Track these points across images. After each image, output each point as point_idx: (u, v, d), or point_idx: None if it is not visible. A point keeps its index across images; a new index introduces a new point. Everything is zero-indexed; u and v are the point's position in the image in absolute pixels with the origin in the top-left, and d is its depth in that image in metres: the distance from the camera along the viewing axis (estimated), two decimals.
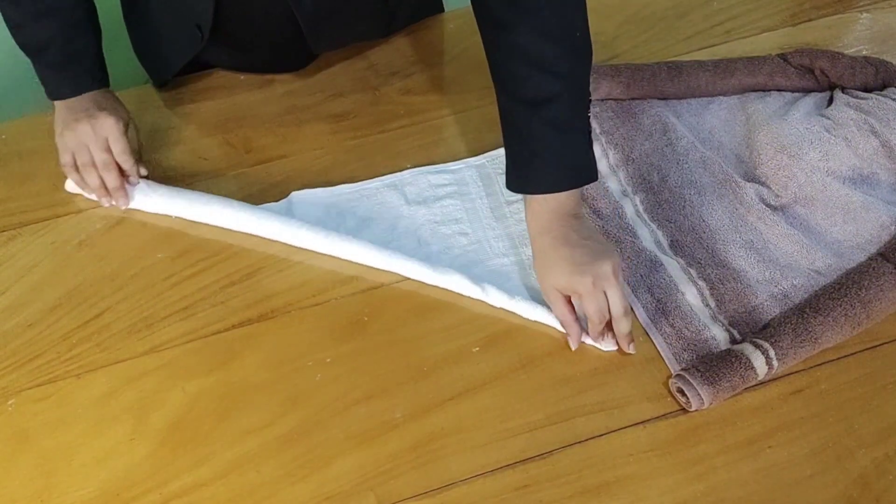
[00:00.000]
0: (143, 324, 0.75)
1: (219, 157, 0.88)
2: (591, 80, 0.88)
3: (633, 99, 0.90)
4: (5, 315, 0.76)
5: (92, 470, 0.66)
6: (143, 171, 0.83)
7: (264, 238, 0.80)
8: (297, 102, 0.93)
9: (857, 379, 0.70)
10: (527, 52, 0.70)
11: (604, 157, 0.86)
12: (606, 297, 0.69)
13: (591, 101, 0.74)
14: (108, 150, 0.80)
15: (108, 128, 0.80)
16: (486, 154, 0.86)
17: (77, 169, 0.82)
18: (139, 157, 0.84)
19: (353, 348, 0.72)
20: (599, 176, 0.84)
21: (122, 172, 0.81)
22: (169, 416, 0.69)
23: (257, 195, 0.84)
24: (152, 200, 0.82)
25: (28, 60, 0.85)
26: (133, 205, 0.82)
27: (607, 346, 0.71)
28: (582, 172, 0.74)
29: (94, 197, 0.83)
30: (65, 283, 0.78)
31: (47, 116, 0.93)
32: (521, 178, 0.74)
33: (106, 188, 0.81)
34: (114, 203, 0.82)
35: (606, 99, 0.90)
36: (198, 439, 0.67)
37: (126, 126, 0.82)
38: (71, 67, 0.83)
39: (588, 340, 0.72)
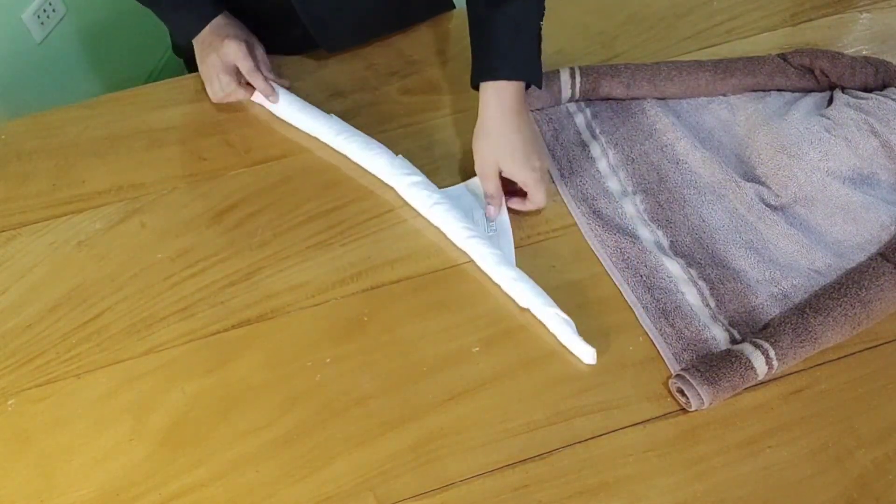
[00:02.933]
0: (142, 324, 0.75)
1: (219, 157, 0.88)
2: (590, 79, 0.89)
3: (633, 99, 0.90)
4: (5, 315, 0.76)
5: (92, 470, 0.66)
6: (286, 83, 0.92)
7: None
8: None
9: (857, 379, 0.70)
10: None
11: (604, 156, 0.86)
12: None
13: (544, 13, 0.84)
14: (233, 73, 0.89)
15: (232, 52, 0.87)
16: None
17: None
18: (270, 71, 0.91)
19: (353, 348, 0.72)
20: (600, 176, 0.84)
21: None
22: (168, 416, 0.69)
23: (256, 195, 0.84)
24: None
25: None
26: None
27: (515, 206, 0.81)
28: (532, 71, 0.82)
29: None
30: (65, 283, 0.78)
31: (47, 116, 0.93)
32: (480, 70, 0.81)
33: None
34: (271, 100, 0.90)
35: (606, 99, 0.91)
36: (197, 439, 0.67)
37: (249, 46, 0.89)
38: (186, 4, 0.90)
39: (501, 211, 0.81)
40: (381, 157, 0.85)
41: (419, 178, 0.83)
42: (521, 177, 0.79)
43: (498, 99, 0.80)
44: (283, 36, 0.95)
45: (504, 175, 0.80)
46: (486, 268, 0.77)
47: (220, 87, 0.89)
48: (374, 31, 1.00)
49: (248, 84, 0.91)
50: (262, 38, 0.95)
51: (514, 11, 0.80)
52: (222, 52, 0.88)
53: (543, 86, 0.89)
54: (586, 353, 0.71)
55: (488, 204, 0.81)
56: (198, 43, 0.91)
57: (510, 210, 0.82)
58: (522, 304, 0.75)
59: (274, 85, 0.90)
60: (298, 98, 0.91)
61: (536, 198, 0.80)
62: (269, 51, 0.95)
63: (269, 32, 0.95)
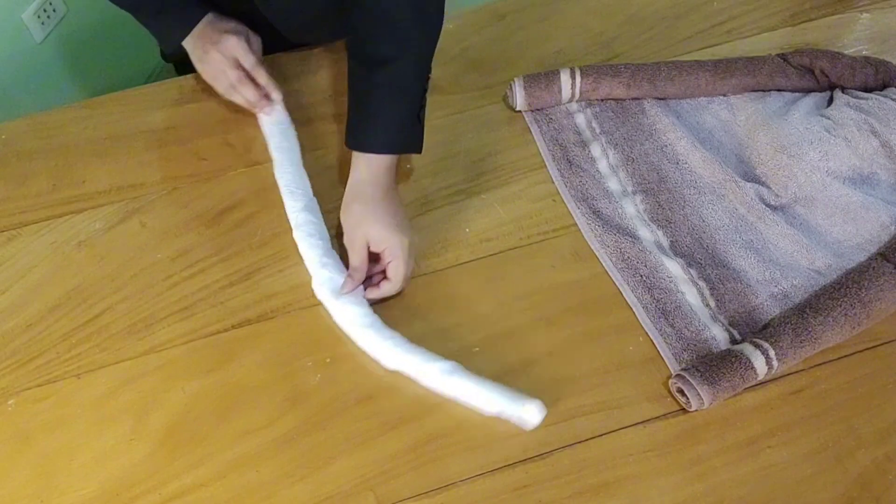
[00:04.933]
0: (142, 324, 0.75)
1: (219, 157, 0.88)
2: (590, 79, 0.89)
3: (633, 99, 0.90)
4: (5, 315, 0.76)
5: (92, 470, 0.66)
6: (278, 95, 0.88)
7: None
8: (298, 102, 0.93)
9: (857, 379, 0.70)
10: (377, 11, 0.76)
11: (604, 156, 0.86)
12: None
13: (429, 77, 0.80)
14: (240, 67, 0.86)
15: (233, 47, 0.85)
16: None
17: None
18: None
19: (353, 348, 0.72)
20: (600, 176, 0.84)
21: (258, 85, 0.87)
22: (168, 416, 0.69)
23: (256, 195, 0.84)
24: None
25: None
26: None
27: (372, 295, 0.75)
28: (408, 140, 0.79)
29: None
30: (65, 283, 0.78)
31: (47, 116, 0.93)
32: (354, 136, 0.78)
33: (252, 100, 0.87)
34: (266, 111, 0.88)
35: (606, 99, 0.91)
36: (197, 439, 0.67)
37: (248, 40, 0.87)
38: (170, 8, 0.87)
39: (357, 293, 0.74)
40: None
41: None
42: (391, 248, 0.73)
43: (369, 169, 0.76)
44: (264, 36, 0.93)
45: (372, 248, 0.74)
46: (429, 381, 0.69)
47: (229, 83, 0.87)
48: (335, 29, 0.98)
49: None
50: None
51: (393, 75, 0.76)
52: (222, 45, 0.86)
53: (543, 86, 0.89)
54: (531, 411, 0.65)
55: (349, 276, 0.74)
56: (192, 45, 0.88)
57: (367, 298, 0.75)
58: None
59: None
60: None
61: (397, 277, 0.73)
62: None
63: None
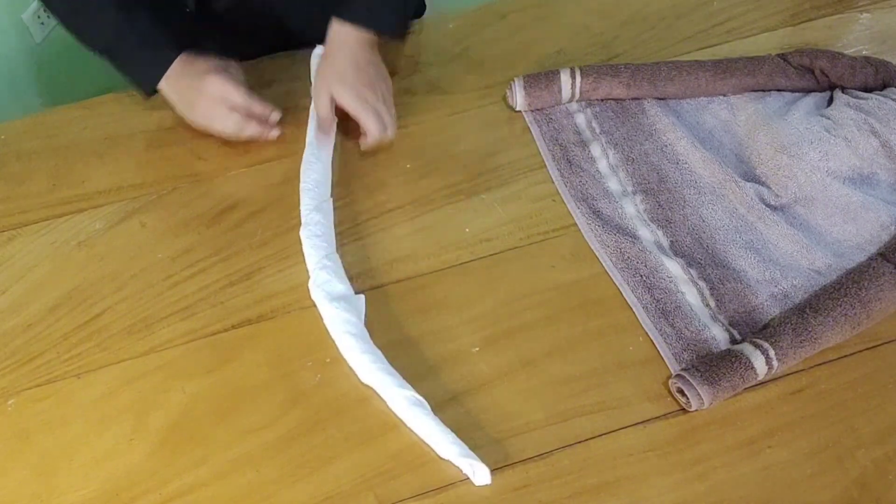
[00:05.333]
0: (142, 324, 0.75)
1: (218, 157, 0.88)
2: (590, 79, 0.89)
3: (633, 99, 0.90)
4: (5, 315, 0.76)
5: (92, 470, 0.66)
6: (276, 115, 0.87)
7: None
8: (297, 102, 0.93)
9: (857, 379, 0.70)
10: None
11: (604, 156, 0.86)
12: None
13: None
14: (235, 108, 0.83)
15: (220, 88, 0.83)
16: None
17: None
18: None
19: None
20: (600, 176, 0.84)
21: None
22: (169, 416, 0.69)
23: (256, 195, 0.84)
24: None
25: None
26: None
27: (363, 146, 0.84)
28: (384, 20, 0.85)
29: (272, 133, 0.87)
30: (65, 283, 0.78)
31: (47, 116, 0.93)
32: (338, 12, 0.84)
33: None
34: (273, 134, 0.87)
35: (606, 99, 0.91)
36: (197, 439, 0.67)
37: (229, 72, 0.84)
38: (140, 50, 0.84)
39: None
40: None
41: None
42: (349, 104, 0.82)
43: (344, 35, 0.84)
44: (255, 42, 0.94)
45: (337, 103, 0.83)
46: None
47: (234, 124, 0.84)
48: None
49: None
50: (233, 44, 0.93)
51: None
52: (208, 90, 0.83)
53: (543, 86, 0.89)
54: (479, 473, 0.64)
55: (319, 127, 0.85)
56: (172, 91, 0.85)
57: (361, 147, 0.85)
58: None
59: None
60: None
61: (368, 126, 0.82)
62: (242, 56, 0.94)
63: (240, 39, 0.94)
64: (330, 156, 0.86)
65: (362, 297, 0.74)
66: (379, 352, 0.70)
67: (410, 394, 0.67)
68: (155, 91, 0.85)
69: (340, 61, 0.83)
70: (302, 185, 0.82)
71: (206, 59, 0.85)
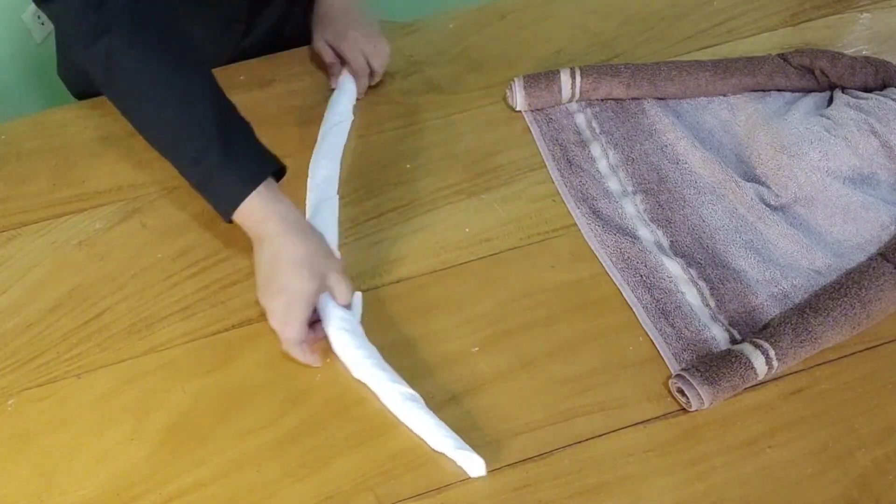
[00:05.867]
0: (142, 324, 0.75)
1: None
2: (590, 79, 0.88)
3: (633, 99, 0.90)
4: (5, 315, 0.76)
5: (92, 470, 0.66)
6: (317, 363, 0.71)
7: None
8: (297, 102, 0.93)
9: (857, 379, 0.70)
10: None
11: (604, 156, 0.86)
12: None
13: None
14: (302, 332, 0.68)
15: (293, 315, 0.67)
16: None
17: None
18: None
19: None
20: (600, 176, 0.84)
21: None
22: (169, 416, 0.69)
23: None
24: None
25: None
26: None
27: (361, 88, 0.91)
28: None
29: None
30: (65, 283, 0.78)
31: (47, 116, 0.93)
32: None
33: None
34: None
35: (606, 99, 0.91)
36: (198, 439, 0.67)
37: (312, 304, 0.68)
38: (242, 152, 0.69)
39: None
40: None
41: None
42: (343, 46, 0.89)
43: None
44: (233, 43, 0.95)
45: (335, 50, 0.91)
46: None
47: (299, 333, 0.68)
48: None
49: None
50: (212, 45, 0.94)
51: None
52: (328, 283, 0.68)
53: (543, 86, 0.89)
54: (474, 465, 0.64)
55: (330, 70, 0.91)
56: (255, 227, 0.69)
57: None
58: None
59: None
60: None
61: (358, 67, 0.89)
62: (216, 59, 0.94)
63: (218, 40, 0.94)
64: (341, 151, 0.86)
65: (359, 294, 0.74)
66: (373, 347, 0.70)
67: (404, 389, 0.67)
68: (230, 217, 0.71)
69: (336, 13, 0.92)
70: (310, 181, 0.82)
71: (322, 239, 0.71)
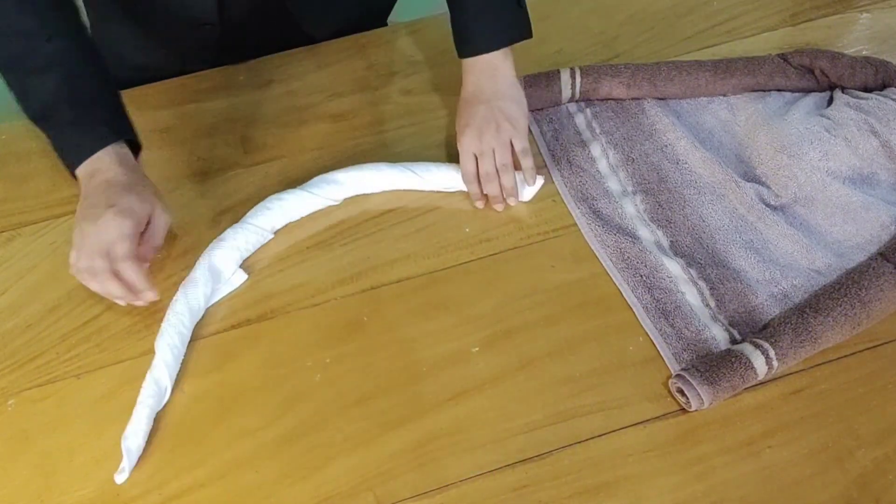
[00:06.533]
0: (142, 324, 0.74)
1: (218, 157, 0.88)
2: (590, 79, 0.89)
3: (633, 99, 0.90)
4: (5, 315, 0.76)
5: (92, 470, 0.66)
6: (153, 296, 0.71)
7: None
8: (297, 102, 0.93)
9: (857, 379, 0.70)
10: None
11: (604, 156, 0.86)
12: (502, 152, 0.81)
13: None
14: (108, 257, 0.69)
15: (113, 228, 0.69)
16: None
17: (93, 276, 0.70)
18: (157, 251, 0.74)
19: (353, 348, 0.72)
20: (600, 176, 0.84)
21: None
22: (168, 416, 0.69)
23: (255, 196, 0.84)
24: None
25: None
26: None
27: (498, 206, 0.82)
28: (516, 30, 0.84)
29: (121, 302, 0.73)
30: (64, 283, 0.78)
31: None
32: (463, 43, 0.85)
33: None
34: (140, 303, 0.73)
35: (606, 99, 0.91)
36: (197, 440, 0.67)
37: (139, 223, 0.70)
38: (84, 120, 0.72)
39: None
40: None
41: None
42: (516, 136, 0.82)
43: (483, 70, 0.84)
44: (194, 44, 0.93)
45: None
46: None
47: (89, 269, 0.69)
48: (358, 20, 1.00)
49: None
50: (178, 50, 0.94)
51: None
52: (99, 226, 0.69)
53: (543, 86, 0.89)
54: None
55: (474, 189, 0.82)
56: (84, 190, 0.71)
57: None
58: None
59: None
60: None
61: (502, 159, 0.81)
62: (181, 65, 0.94)
63: (184, 45, 0.94)
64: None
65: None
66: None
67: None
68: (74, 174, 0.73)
69: (494, 95, 0.83)
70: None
71: (139, 184, 0.72)
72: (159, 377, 0.69)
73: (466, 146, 0.82)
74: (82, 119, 0.72)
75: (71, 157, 0.72)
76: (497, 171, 0.81)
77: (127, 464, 0.65)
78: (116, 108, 0.75)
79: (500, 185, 0.81)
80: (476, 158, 0.82)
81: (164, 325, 0.72)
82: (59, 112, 0.71)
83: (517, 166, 0.82)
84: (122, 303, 0.73)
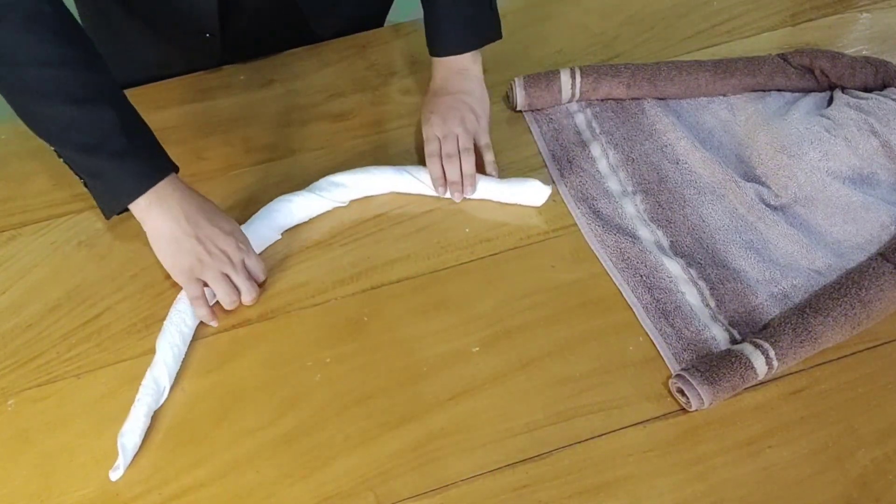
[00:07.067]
0: (142, 324, 0.74)
1: (219, 157, 0.88)
2: (590, 79, 0.89)
3: (633, 99, 0.90)
4: (5, 315, 0.76)
5: (92, 470, 0.66)
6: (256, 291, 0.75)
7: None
8: (297, 102, 0.93)
9: (857, 379, 0.70)
10: None
11: (604, 156, 0.86)
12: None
13: None
14: (246, 272, 0.74)
15: (243, 251, 0.73)
16: None
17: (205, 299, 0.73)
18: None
19: (353, 348, 0.72)
20: (600, 176, 0.84)
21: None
22: (168, 416, 0.69)
23: (256, 195, 0.84)
24: None
25: None
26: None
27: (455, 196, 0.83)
28: (485, 33, 0.87)
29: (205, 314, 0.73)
30: (65, 283, 0.78)
31: None
32: (433, 43, 0.87)
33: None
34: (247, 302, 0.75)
35: (606, 99, 0.91)
36: (197, 439, 0.67)
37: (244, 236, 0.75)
38: (141, 150, 0.71)
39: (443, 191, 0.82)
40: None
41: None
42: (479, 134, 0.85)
43: (450, 67, 0.87)
44: (198, 50, 0.93)
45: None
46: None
47: (228, 289, 0.73)
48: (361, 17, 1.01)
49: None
50: (166, 63, 0.94)
51: None
52: (231, 250, 0.72)
53: (543, 86, 0.89)
54: (541, 191, 0.80)
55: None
56: (170, 219, 0.71)
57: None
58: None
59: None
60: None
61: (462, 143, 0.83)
62: (186, 67, 0.94)
63: (176, 55, 0.94)
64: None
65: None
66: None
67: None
68: (120, 211, 0.72)
69: (460, 89, 0.86)
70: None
71: (207, 204, 0.74)
72: (158, 376, 0.69)
73: (430, 130, 0.84)
74: (140, 149, 0.71)
75: (129, 188, 0.70)
76: (459, 154, 0.82)
77: (122, 461, 0.65)
78: (156, 138, 0.73)
79: (461, 170, 0.82)
80: (439, 141, 0.83)
81: (166, 323, 0.73)
82: (113, 142, 0.68)
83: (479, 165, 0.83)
84: (230, 306, 0.74)
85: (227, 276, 0.73)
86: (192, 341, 0.73)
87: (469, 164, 0.82)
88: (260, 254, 0.79)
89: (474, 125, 0.84)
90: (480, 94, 0.87)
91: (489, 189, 0.82)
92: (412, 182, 0.83)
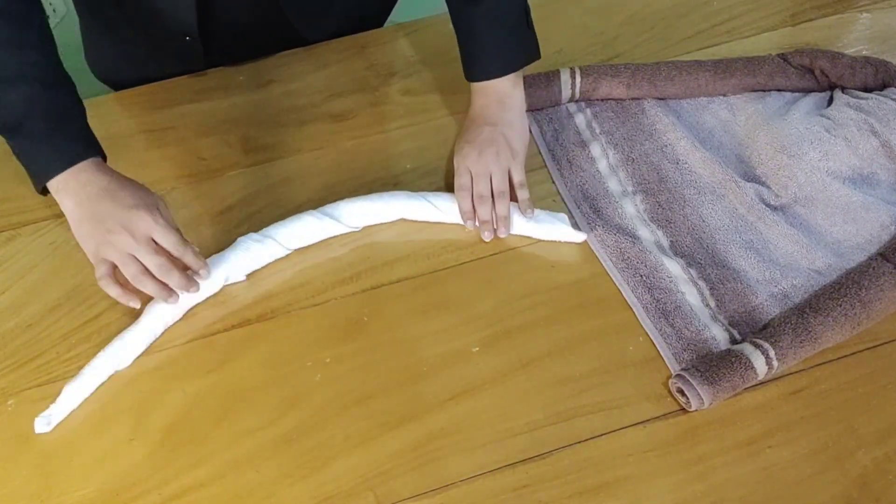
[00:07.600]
0: None
1: (218, 157, 0.88)
2: (590, 79, 0.89)
3: (633, 99, 0.90)
4: (5, 315, 0.76)
5: (92, 470, 0.66)
6: (207, 273, 0.73)
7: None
8: (297, 102, 0.93)
9: (857, 379, 0.70)
10: None
11: (604, 156, 0.86)
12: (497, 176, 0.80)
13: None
14: (160, 251, 0.70)
15: (148, 224, 0.69)
16: None
17: (119, 281, 0.70)
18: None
19: (353, 348, 0.72)
20: (600, 176, 0.84)
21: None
22: (168, 416, 0.69)
23: (256, 195, 0.84)
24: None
25: None
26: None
27: (486, 235, 0.79)
28: (524, 54, 0.84)
29: (133, 303, 0.72)
30: (64, 283, 0.78)
31: None
32: (471, 68, 0.85)
33: (167, 288, 0.71)
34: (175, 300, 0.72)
35: (606, 99, 0.91)
36: (197, 439, 0.67)
37: (160, 209, 0.71)
38: (58, 133, 0.70)
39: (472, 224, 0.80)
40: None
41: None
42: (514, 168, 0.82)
43: (487, 95, 0.84)
44: (182, 53, 0.92)
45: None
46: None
47: (138, 270, 0.69)
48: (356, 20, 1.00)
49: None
50: (159, 61, 0.93)
51: (491, 5, 0.81)
52: (133, 225, 0.69)
53: (543, 86, 0.89)
54: (576, 236, 0.78)
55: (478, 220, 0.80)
56: (77, 210, 0.70)
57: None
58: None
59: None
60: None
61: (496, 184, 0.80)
62: (169, 72, 0.94)
63: (165, 54, 0.93)
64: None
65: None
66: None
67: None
68: (42, 192, 0.72)
69: (501, 119, 0.83)
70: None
71: (129, 184, 0.72)
72: (130, 339, 0.70)
73: (463, 163, 0.81)
74: (57, 133, 0.70)
75: (43, 169, 0.70)
76: (493, 195, 0.79)
77: (55, 410, 0.65)
78: (86, 123, 0.74)
79: (495, 212, 0.79)
80: (471, 176, 0.80)
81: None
82: (32, 124, 0.69)
83: (513, 197, 0.81)
84: (173, 301, 0.72)
85: (133, 255, 0.69)
86: (191, 341, 0.73)
87: (504, 206, 0.78)
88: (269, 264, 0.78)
89: (509, 161, 0.80)
90: (521, 128, 0.83)
91: (522, 228, 0.79)
92: (431, 210, 0.80)
